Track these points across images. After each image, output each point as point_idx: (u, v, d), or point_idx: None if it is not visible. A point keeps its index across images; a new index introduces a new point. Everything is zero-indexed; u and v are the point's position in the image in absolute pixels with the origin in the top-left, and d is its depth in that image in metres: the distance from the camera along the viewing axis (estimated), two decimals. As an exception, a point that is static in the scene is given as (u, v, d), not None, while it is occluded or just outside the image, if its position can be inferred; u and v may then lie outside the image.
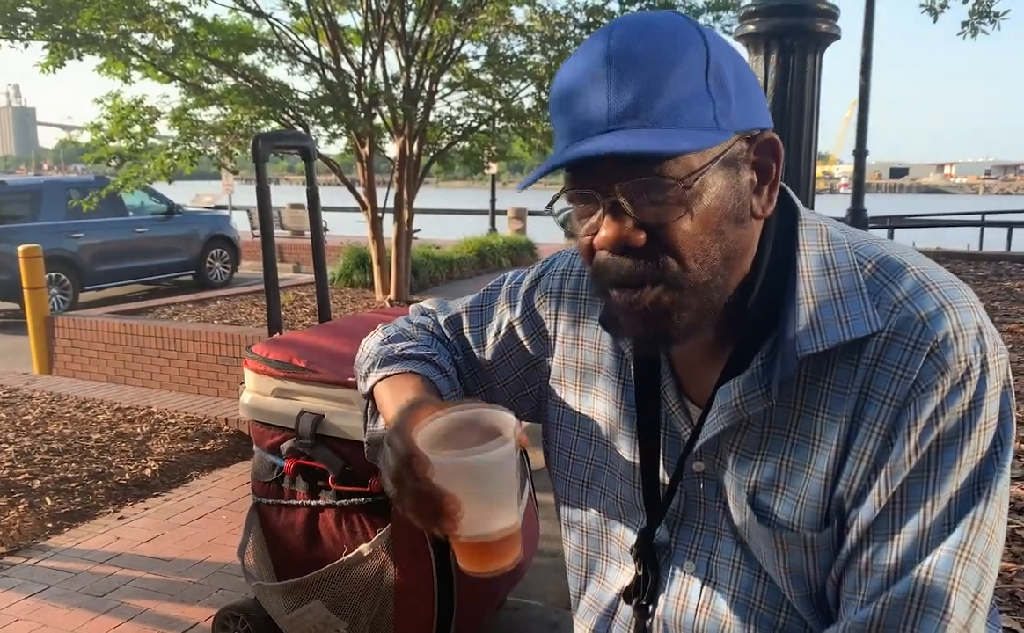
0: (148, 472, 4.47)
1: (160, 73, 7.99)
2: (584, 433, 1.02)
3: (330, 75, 8.49)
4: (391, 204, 8.99)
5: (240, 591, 2.96)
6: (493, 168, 14.23)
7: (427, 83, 8.83)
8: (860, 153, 10.36)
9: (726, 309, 0.82)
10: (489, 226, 16.37)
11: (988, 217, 15.97)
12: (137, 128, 8.13)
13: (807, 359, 0.81)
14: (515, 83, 9.48)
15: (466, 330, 1.13)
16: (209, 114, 8.57)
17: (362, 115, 8.37)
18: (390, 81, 8.79)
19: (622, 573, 0.99)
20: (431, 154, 9.53)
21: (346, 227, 16.37)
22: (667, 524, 0.94)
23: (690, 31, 0.76)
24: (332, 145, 9.31)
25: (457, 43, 8.83)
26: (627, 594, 0.97)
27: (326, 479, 2.24)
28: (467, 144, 10.00)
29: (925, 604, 0.73)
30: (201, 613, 2.92)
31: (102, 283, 10.84)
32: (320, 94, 8.60)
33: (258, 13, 8.25)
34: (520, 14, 9.05)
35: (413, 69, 8.61)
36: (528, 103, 9.48)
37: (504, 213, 17.81)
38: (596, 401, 1.01)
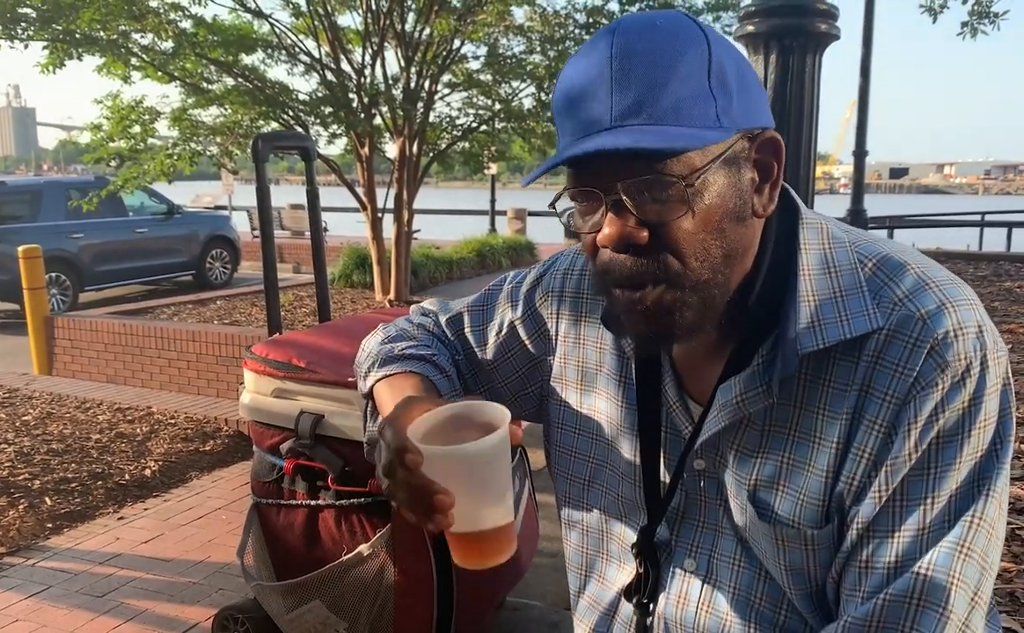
0: (148, 472, 4.47)
1: (160, 73, 7.99)
2: (585, 432, 1.03)
3: (330, 75, 8.49)
4: (391, 204, 8.99)
5: (240, 591, 2.96)
6: (493, 168, 14.23)
7: (427, 83, 8.83)
8: (860, 153, 10.36)
9: (728, 307, 0.83)
10: (489, 226, 16.37)
11: (988, 217, 15.95)
12: (137, 128, 8.13)
13: (808, 357, 0.81)
14: (515, 83, 9.49)
15: (467, 329, 1.13)
16: (209, 114, 8.58)
17: (362, 115, 8.38)
18: (390, 81, 8.80)
19: (622, 572, 0.99)
20: (431, 154, 9.53)
21: (346, 227, 16.38)
22: (668, 522, 0.94)
23: (692, 30, 0.77)
24: (332, 145, 9.32)
25: (457, 43, 8.84)
26: (628, 592, 0.98)
27: (326, 479, 2.24)
28: (467, 144, 10.00)
29: (925, 600, 0.73)
30: (201, 613, 2.92)
31: (102, 283, 10.84)
32: (320, 94, 8.60)
33: (258, 13, 8.25)
34: (520, 14, 9.07)
35: (413, 69, 8.61)
36: (528, 103, 9.49)
37: (504, 213, 17.81)
38: (597, 400, 1.01)
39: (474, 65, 9.59)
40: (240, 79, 8.23)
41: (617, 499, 0.99)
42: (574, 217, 0.84)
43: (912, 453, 0.76)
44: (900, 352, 0.77)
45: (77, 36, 7.28)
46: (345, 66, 8.60)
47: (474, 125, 9.68)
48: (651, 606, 0.95)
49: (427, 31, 8.41)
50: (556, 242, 14.01)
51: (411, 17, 8.63)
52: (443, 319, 1.15)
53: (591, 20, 8.86)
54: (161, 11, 7.50)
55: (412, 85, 8.64)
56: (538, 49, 9.13)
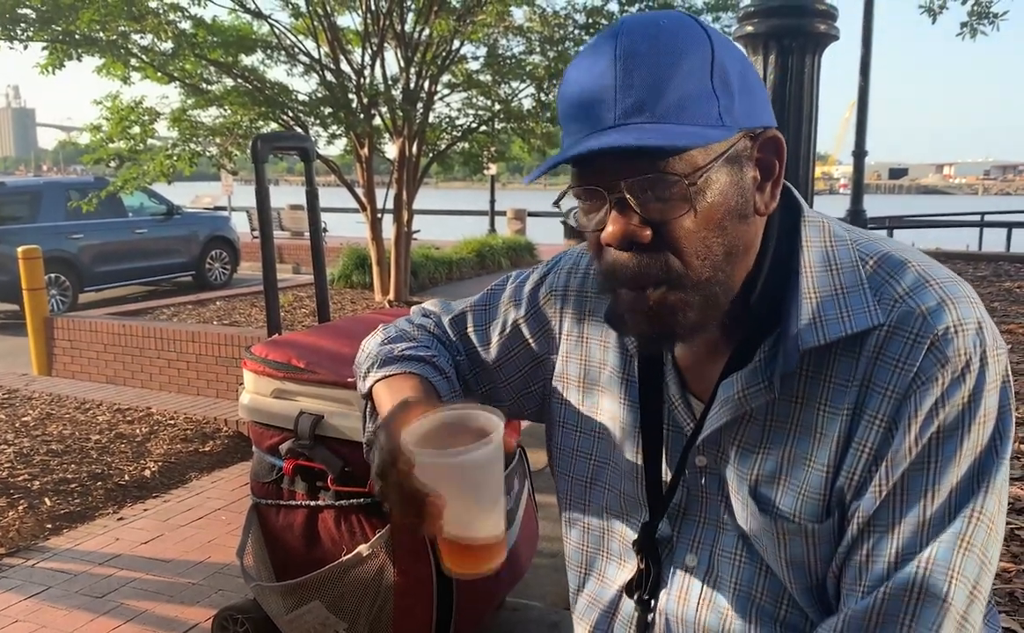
0: (147, 473, 4.47)
1: (159, 74, 8.00)
2: (588, 430, 1.03)
3: (329, 76, 8.49)
4: (390, 205, 8.99)
5: (239, 592, 2.96)
6: (492, 169, 14.24)
7: (426, 84, 8.84)
8: (859, 154, 10.37)
9: (730, 306, 0.83)
10: (488, 227, 16.37)
11: (987, 218, 15.94)
12: (136, 129, 8.13)
13: (809, 353, 0.82)
14: (514, 84, 9.50)
15: (470, 329, 1.13)
16: (208, 115, 8.58)
17: (361, 116, 8.38)
18: (389, 82, 8.80)
19: (623, 570, 1.00)
20: (430, 155, 9.53)
21: (345, 228, 16.37)
22: (669, 519, 0.95)
23: (695, 30, 0.78)
24: (331, 146, 9.33)
25: (456, 44, 8.84)
26: (629, 588, 0.98)
27: (325, 480, 2.24)
28: (466, 145, 10.01)
29: (925, 594, 0.74)
30: (200, 614, 2.92)
31: (101, 284, 10.84)
32: (319, 95, 8.61)
33: (257, 14, 8.26)
34: (519, 15, 9.07)
35: (412, 70, 8.61)
36: (527, 104, 9.50)
37: (503, 214, 17.81)
38: (600, 398, 1.02)
39: (474, 65, 9.60)
40: (240, 80, 8.23)
41: (619, 496, 0.99)
42: (578, 215, 0.84)
43: (912, 448, 0.76)
44: (901, 348, 0.77)
45: (76, 37, 7.29)
46: (345, 67, 8.61)
47: (474, 125, 9.68)
48: (652, 602, 0.96)
49: (427, 31, 8.41)
50: (556, 243, 14.01)
51: (411, 17, 8.63)
52: (446, 319, 1.15)
53: (591, 20, 8.86)
54: (160, 12, 7.50)
55: (412, 86, 8.64)
56: (538, 50, 9.13)
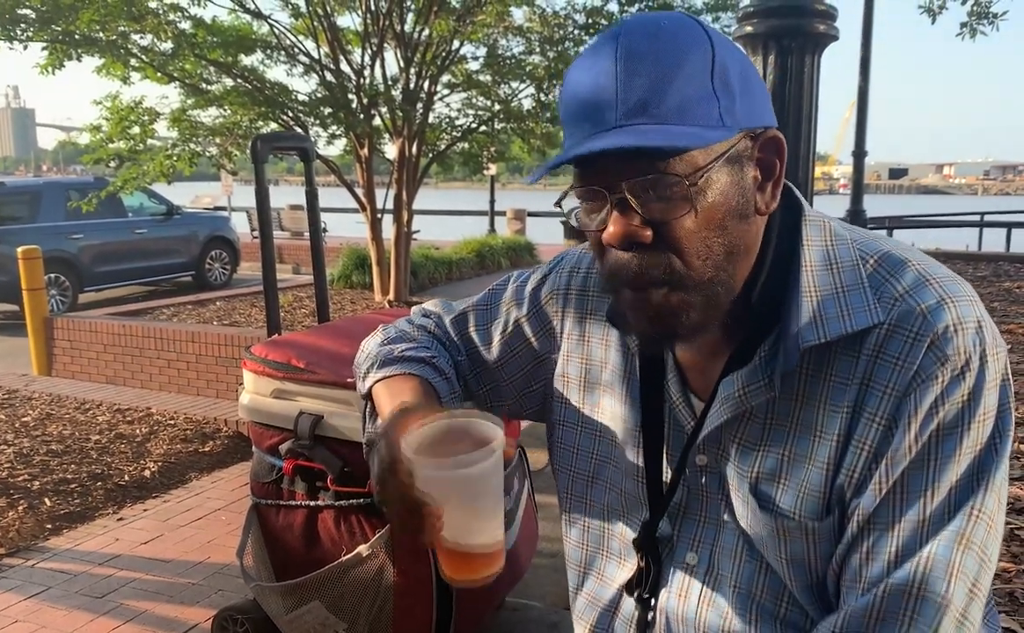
0: (147, 473, 4.47)
1: (159, 74, 8.00)
2: (589, 429, 1.03)
3: (329, 76, 8.49)
4: (390, 205, 8.99)
5: (239, 592, 2.96)
6: (492, 169, 14.23)
7: (426, 84, 8.84)
8: (859, 154, 10.37)
9: (732, 305, 0.84)
10: (488, 227, 16.38)
11: (987, 218, 15.95)
12: (136, 129, 8.14)
13: (809, 351, 0.82)
14: (514, 84, 9.50)
15: (472, 328, 1.13)
16: (208, 115, 8.58)
17: (361, 116, 8.38)
18: (389, 82, 8.80)
19: (622, 569, 1.00)
20: (430, 155, 9.53)
21: (345, 228, 16.38)
22: (670, 517, 0.95)
23: (696, 31, 0.78)
24: (331, 146, 9.33)
25: (456, 44, 8.84)
26: (629, 587, 0.99)
27: (325, 480, 2.24)
28: (466, 145, 10.01)
29: (925, 591, 0.74)
30: (200, 614, 2.92)
31: (101, 284, 10.84)
32: (319, 95, 8.61)
33: (257, 14, 8.26)
34: (519, 15, 9.07)
35: (412, 70, 8.61)
36: (527, 104, 9.50)
37: (503, 214, 17.81)
38: (602, 396, 1.02)
39: (473, 66, 9.61)
40: (239, 80, 8.23)
41: (620, 495, 1.00)
42: (580, 215, 0.85)
43: (912, 445, 0.77)
44: (900, 346, 0.78)
45: (76, 37, 7.29)
46: (344, 67, 8.61)
47: (473, 126, 9.69)
48: (652, 601, 0.96)
49: (426, 32, 8.41)
50: (556, 243, 14.02)
51: (410, 18, 8.63)
52: (447, 319, 1.15)
53: (590, 21, 8.86)
54: (160, 12, 7.50)
55: (411, 86, 8.64)
56: (537, 50, 9.13)
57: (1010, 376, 0.80)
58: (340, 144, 9.33)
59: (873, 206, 13.19)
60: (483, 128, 9.78)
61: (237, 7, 8.16)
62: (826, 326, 0.81)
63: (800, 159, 2.36)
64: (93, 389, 6.25)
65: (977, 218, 16.07)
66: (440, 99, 9.41)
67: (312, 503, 2.26)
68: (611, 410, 1.01)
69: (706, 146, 0.76)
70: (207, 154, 8.48)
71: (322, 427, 2.23)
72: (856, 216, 9.93)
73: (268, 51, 8.59)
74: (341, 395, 2.23)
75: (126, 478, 4.40)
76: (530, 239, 14.82)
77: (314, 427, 2.23)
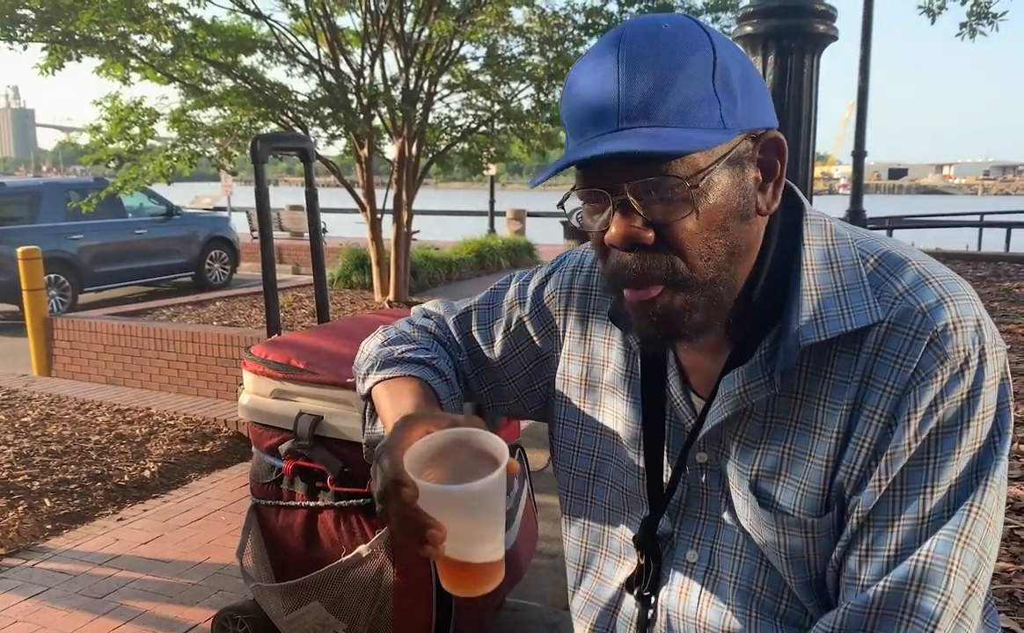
0: (147, 474, 4.47)
1: (159, 75, 8.00)
2: (590, 427, 1.04)
3: (329, 76, 8.49)
4: (390, 205, 8.99)
5: (239, 592, 2.96)
6: (492, 169, 14.24)
7: (426, 84, 8.84)
8: (859, 154, 10.37)
9: (733, 304, 0.85)
10: (488, 227, 16.38)
11: (987, 218, 15.95)
12: (136, 130, 8.14)
13: (809, 349, 0.83)
14: (514, 84, 9.50)
15: (474, 327, 1.14)
16: (208, 116, 8.59)
17: (361, 116, 8.38)
18: (389, 82, 8.80)
19: (622, 567, 1.01)
20: (430, 155, 9.54)
21: (345, 228, 16.38)
22: (670, 515, 0.96)
23: (698, 34, 0.79)
24: (331, 146, 9.33)
25: (456, 44, 8.84)
26: (628, 584, 0.99)
27: (325, 480, 2.24)
28: (466, 145, 10.01)
29: (924, 588, 0.75)
30: (200, 614, 2.92)
31: (101, 285, 10.84)
32: (319, 95, 8.61)
33: (257, 14, 8.26)
34: (519, 15, 9.07)
35: (412, 70, 8.61)
36: (527, 104, 9.51)
37: (503, 214, 17.82)
38: (603, 395, 1.03)
39: (473, 66, 9.61)
40: (239, 80, 8.23)
41: (621, 492, 1.00)
42: (583, 216, 0.85)
43: (912, 443, 0.77)
44: (900, 344, 0.78)
45: (76, 37, 7.29)
46: (344, 67, 8.61)
47: (473, 126, 9.69)
48: (652, 598, 0.97)
49: (426, 32, 8.41)
50: (555, 243, 14.02)
51: (410, 18, 8.63)
52: (449, 319, 1.16)
53: (590, 21, 8.86)
54: (160, 12, 7.50)
55: (411, 86, 8.64)
56: (537, 50, 9.14)
57: (1009, 375, 0.80)
58: (340, 144, 9.34)
59: (873, 206, 13.19)
60: (483, 128, 9.78)
61: (237, 7, 8.16)
62: (826, 324, 0.81)
63: (799, 159, 2.36)
64: (93, 389, 6.25)
65: (977, 218, 16.07)
66: (440, 99, 9.43)
67: (312, 503, 2.26)
68: (613, 408, 1.01)
69: (707, 149, 0.77)
70: (207, 154, 8.48)
71: (322, 427, 2.24)
72: (856, 216, 9.93)
73: (268, 51, 8.60)
74: (341, 395, 2.23)
75: (126, 478, 4.40)
76: (530, 239, 14.83)
77: (314, 427, 2.23)
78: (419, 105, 8.73)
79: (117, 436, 5.11)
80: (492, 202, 17.47)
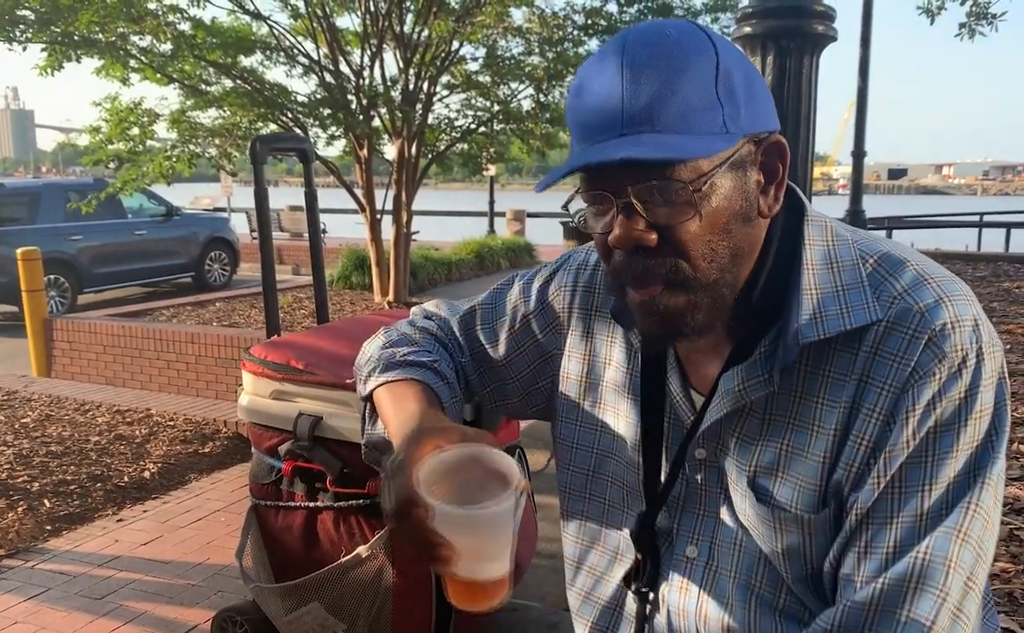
0: (147, 474, 4.47)
1: (159, 75, 8.00)
2: (590, 424, 1.05)
3: (328, 77, 8.49)
4: (390, 206, 8.99)
5: (239, 593, 2.96)
6: (491, 170, 14.23)
7: (425, 85, 8.84)
8: (858, 154, 10.38)
9: (735, 304, 0.86)
10: (488, 228, 16.39)
11: (986, 218, 15.96)
12: (136, 130, 8.14)
13: (808, 347, 0.84)
14: (513, 85, 9.50)
15: (478, 326, 1.14)
16: (208, 116, 8.59)
17: (360, 117, 8.38)
18: (388, 83, 8.80)
19: (619, 564, 1.02)
20: (430, 156, 9.54)
21: (345, 229, 16.37)
22: (669, 511, 0.96)
23: (701, 39, 0.79)
24: (331, 147, 9.33)
25: (455, 45, 8.84)
26: (627, 580, 1.00)
27: (324, 481, 2.24)
28: (466, 146, 10.01)
29: (922, 584, 0.75)
30: (200, 615, 2.92)
31: (101, 285, 10.84)
32: (318, 96, 8.61)
33: (256, 15, 8.26)
34: (518, 16, 9.07)
35: (411, 71, 8.61)
36: (526, 105, 9.51)
37: (503, 215, 17.82)
38: (604, 392, 1.04)
39: (473, 66, 9.61)
40: (239, 81, 8.23)
41: (621, 488, 1.01)
42: (587, 218, 0.86)
43: (910, 441, 0.78)
44: (899, 343, 0.79)
45: (75, 38, 7.29)
46: (344, 68, 8.61)
47: (473, 126, 9.69)
48: (651, 595, 0.97)
49: (426, 33, 8.41)
50: (555, 244, 14.01)
51: (410, 19, 8.63)
52: (452, 319, 1.16)
53: (589, 21, 8.87)
54: (159, 13, 7.50)
55: (411, 87, 8.64)
56: (536, 51, 9.14)
57: (1006, 374, 0.81)
58: (339, 145, 9.35)
59: (872, 206, 13.20)
60: (482, 129, 9.78)
61: (236, 8, 8.17)
62: (825, 323, 0.82)
63: (799, 160, 2.36)
64: (92, 390, 6.25)
65: (976, 218, 16.08)
66: (439, 100, 9.43)
67: (311, 504, 2.26)
68: (613, 405, 1.02)
69: (710, 154, 0.78)
70: (206, 155, 8.48)
71: (321, 428, 2.24)
72: (855, 216, 9.94)
73: (267, 52, 8.60)
74: (340, 396, 2.23)
75: (126, 479, 4.40)
76: (529, 240, 14.84)
77: (313, 428, 2.23)
78: (418, 106, 8.73)
79: (117, 437, 5.11)
80: (492, 203, 17.47)
